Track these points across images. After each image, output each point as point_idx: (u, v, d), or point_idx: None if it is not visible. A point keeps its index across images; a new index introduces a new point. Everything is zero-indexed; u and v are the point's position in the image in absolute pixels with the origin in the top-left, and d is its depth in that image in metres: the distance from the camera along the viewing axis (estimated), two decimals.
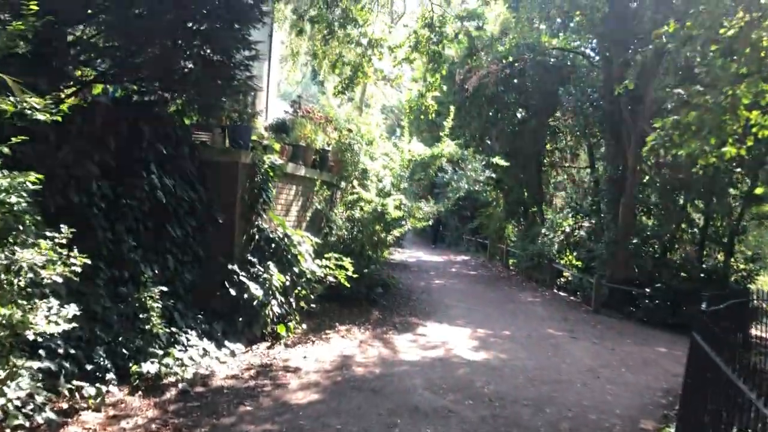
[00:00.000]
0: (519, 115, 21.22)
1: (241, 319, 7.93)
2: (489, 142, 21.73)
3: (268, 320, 8.16)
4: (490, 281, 18.38)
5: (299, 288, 9.12)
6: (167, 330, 6.78)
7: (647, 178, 15.95)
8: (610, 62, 15.39)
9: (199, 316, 7.61)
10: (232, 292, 7.83)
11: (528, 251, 18.68)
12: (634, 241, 15.55)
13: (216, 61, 7.10)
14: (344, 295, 10.77)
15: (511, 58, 16.51)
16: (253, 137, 9.03)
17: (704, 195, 14.84)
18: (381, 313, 11.06)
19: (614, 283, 14.92)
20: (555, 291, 17.51)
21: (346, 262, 9.46)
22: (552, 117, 20.90)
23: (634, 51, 14.20)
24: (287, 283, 8.83)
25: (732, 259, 15.45)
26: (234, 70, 7.28)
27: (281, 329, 8.34)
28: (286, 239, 9.07)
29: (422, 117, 18.92)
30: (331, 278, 9.40)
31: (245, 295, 7.89)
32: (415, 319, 11.01)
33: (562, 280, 18.36)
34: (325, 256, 9.46)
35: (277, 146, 9.44)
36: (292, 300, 8.96)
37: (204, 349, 7.03)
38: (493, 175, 23.31)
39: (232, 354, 7.41)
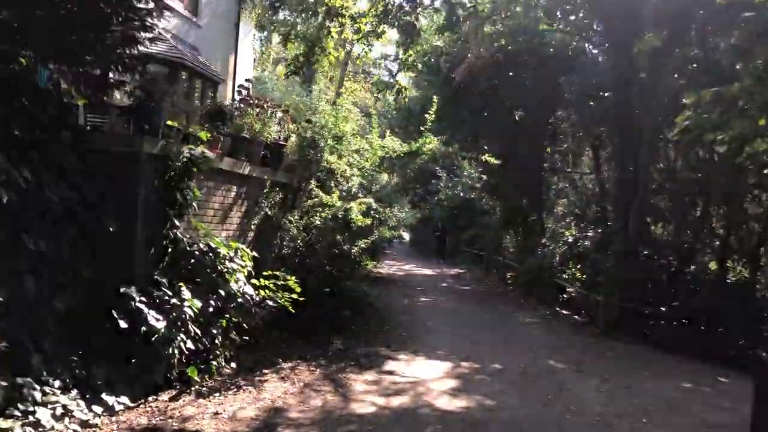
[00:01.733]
0: (516, 115, 19.31)
1: (134, 360, 5.94)
2: (482, 143, 19.77)
3: (175, 361, 6.16)
4: (484, 298, 16.36)
5: (228, 316, 7.14)
6: (7, 383, 4.79)
7: (661, 180, 13.99)
8: (617, 47, 13.46)
9: (74, 358, 5.63)
10: (123, 324, 5.84)
11: (527, 264, 16.68)
12: (646, 252, 13.56)
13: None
14: (302, 320, 8.82)
15: (503, 41, 14.59)
16: (172, 123, 7.08)
17: (727, 199, 12.86)
18: (345, 343, 9.04)
19: (625, 301, 12.90)
20: (557, 309, 15.46)
21: (291, 281, 7.47)
22: (552, 115, 18.98)
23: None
24: (210, 310, 6.85)
25: (758, 273, 13.43)
26: (113, 17, 5.34)
27: (192, 372, 6.34)
28: (211, 253, 7.10)
29: (395, 107, 17.04)
30: (272, 302, 7.40)
31: (142, 328, 5.90)
32: (385, 349, 8.99)
33: (565, 296, 16.33)
34: (264, 274, 7.45)
35: (204, 135, 7.48)
36: (216, 332, 6.97)
37: (65, 408, 5.04)
38: (490, 181, 21.54)
39: (110, 411, 5.40)
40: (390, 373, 7.73)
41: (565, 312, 15.28)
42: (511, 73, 17.38)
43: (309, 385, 6.92)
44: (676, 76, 13.38)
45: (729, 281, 12.98)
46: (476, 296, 16.64)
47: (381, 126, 14.40)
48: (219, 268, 7.10)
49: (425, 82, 20.24)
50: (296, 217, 9.48)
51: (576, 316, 14.73)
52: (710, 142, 7.24)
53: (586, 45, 16.96)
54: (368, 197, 9.80)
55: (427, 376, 7.71)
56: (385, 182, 11.05)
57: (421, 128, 11.49)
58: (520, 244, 19.38)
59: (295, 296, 7.43)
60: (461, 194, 27.94)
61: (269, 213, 9.38)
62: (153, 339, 5.90)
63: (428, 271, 22.87)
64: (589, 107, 14.83)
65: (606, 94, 15.41)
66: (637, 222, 12.89)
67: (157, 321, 5.98)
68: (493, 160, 11.51)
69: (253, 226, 9.08)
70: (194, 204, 7.19)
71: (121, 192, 6.35)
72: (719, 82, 7.34)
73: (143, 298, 6.12)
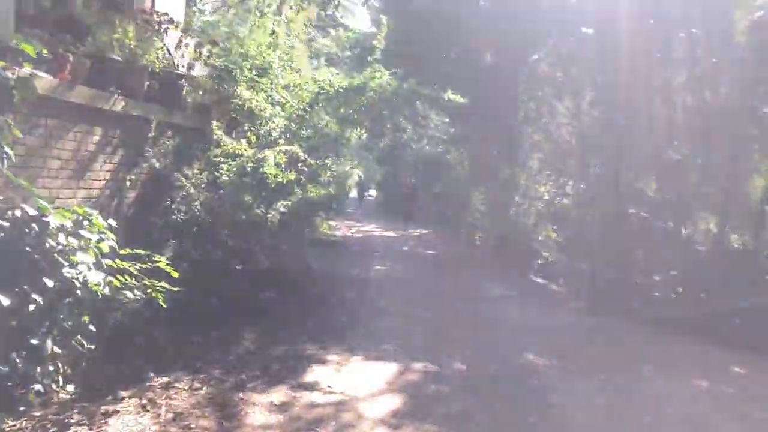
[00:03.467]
0: (488, 57, 16.89)
1: None
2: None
3: None
4: (451, 265, 14.26)
5: (63, 317, 4.81)
6: None
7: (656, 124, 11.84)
8: None
9: None
10: None
11: (498, 225, 14.57)
12: (638, 212, 11.52)
13: None
14: (203, 309, 6.59)
15: None
16: None
17: (733, 143, 10.79)
18: (259, 338, 6.80)
19: (614, 270, 10.91)
20: (532, 277, 13.49)
21: (162, 261, 5.13)
22: (529, 56, 16.59)
23: None
24: (32, 309, 4.52)
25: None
26: None
27: None
28: (34, 224, 4.71)
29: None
30: (132, 294, 5.06)
31: None
32: (313, 346, 6.77)
33: (541, 261, 14.34)
34: (121, 252, 5.09)
35: (29, 48, 4.97)
36: (39, 341, 4.65)
37: None
38: (457, 132, 19.22)
39: None
40: (310, 387, 5.53)
41: (541, 280, 13.31)
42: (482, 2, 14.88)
43: (181, 415, 4.68)
44: None
45: (733, 245, 11.04)
46: (441, 262, 14.54)
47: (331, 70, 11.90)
48: (47, 245, 4.74)
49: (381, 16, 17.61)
50: (195, 171, 7.06)
51: (554, 286, 12.77)
52: None
53: None
54: (294, 145, 7.41)
55: (361, 392, 5.53)
56: (325, 126, 8.62)
57: (369, 58, 9.07)
58: (490, 202, 17.25)
59: (167, 285, 5.10)
60: (428, 148, 25.75)
61: (158, 166, 6.96)
62: None
63: (391, 233, 20.70)
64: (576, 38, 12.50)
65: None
66: (628, 176, 10.80)
67: None
68: (458, 98, 9.07)
69: (130, 184, 6.66)
70: (8, 150, 4.76)
71: None
72: None
73: None
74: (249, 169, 6.58)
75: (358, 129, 9.81)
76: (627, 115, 10.97)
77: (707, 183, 11.17)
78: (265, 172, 6.44)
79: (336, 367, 6.17)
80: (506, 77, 15.83)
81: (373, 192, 41.04)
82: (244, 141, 6.91)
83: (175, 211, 6.66)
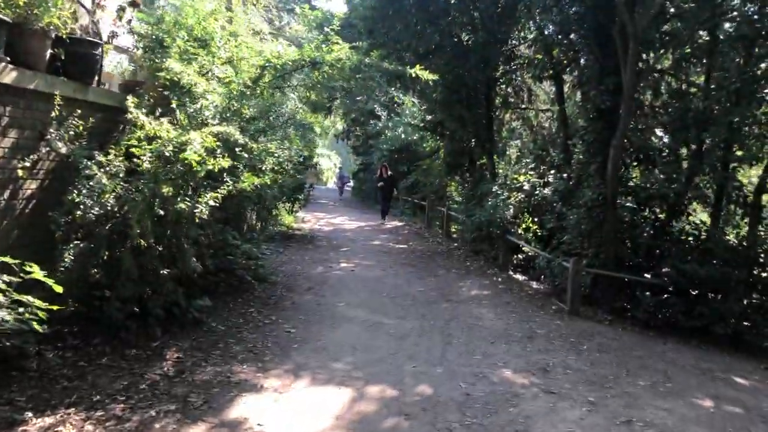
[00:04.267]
0: (465, 36, 15.80)
1: None
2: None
3: None
4: (422, 260, 13.20)
5: None
6: None
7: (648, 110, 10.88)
8: None
9: None
10: None
11: (474, 217, 13.55)
12: (628, 204, 10.58)
13: None
14: (124, 321, 5.47)
15: None
16: None
17: (731, 133, 9.86)
18: (185, 359, 5.68)
19: (600, 266, 9.95)
20: (511, 274, 12.50)
21: (36, 271, 3.98)
22: (509, 36, 15.53)
23: None
24: None
25: (760, 227, 10.62)
26: None
27: None
28: None
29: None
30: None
31: None
32: (249, 367, 5.66)
33: (521, 256, 13.39)
34: None
35: None
36: None
37: None
38: (433, 117, 18.12)
39: None
40: (235, 426, 4.43)
41: (520, 277, 12.33)
42: None
43: None
44: None
45: (730, 240, 10.14)
46: (413, 258, 13.47)
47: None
48: None
49: None
50: (112, 157, 5.87)
51: (535, 283, 11.80)
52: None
53: None
54: (231, 125, 6.23)
55: (302, 429, 4.45)
56: (272, 105, 7.46)
57: (326, 28, 7.92)
58: (467, 192, 16.22)
59: (44, 305, 3.94)
60: (403, 136, 24.67)
61: (64, 152, 5.77)
62: None
63: (363, 226, 19.57)
64: (562, 13, 11.41)
65: None
66: (618, 163, 9.80)
67: None
68: (426, 75, 7.97)
69: (26, 173, 5.47)
70: None
71: None
72: None
73: None
74: (169, 154, 5.40)
75: (331, 116, 8.69)
76: (614, 99, 9.96)
77: (701, 172, 10.24)
78: (187, 158, 5.27)
79: (274, 395, 5.07)
80: (484, 59, 14.74)
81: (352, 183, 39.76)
82: (165, 121, 5.72)
83: (82, 206, 5.47)
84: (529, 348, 7.25)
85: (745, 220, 10.62)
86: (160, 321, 6.14)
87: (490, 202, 13.51)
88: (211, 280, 7.91)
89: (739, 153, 10.08)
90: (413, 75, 8.19)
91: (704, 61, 10.78)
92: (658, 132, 10.71)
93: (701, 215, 11.35)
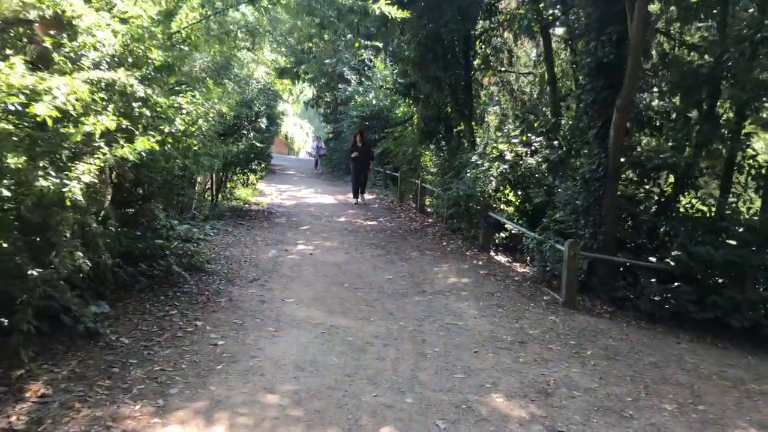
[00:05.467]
0: None
1: None
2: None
3: None
4: (394, 240, 11.65)
5: None
6: None
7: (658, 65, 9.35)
8: None
9: None
10: None
11: (452, 191, 11.99)
12: (631, 176, 9.13)
13: None
14: None
15: None
16: None
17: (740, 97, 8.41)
18: (57, 390, 4.06)
19: (599, 249, 8.51)
20: (492, 255, 11.03)
21: None
22: None
23: None
24: None
25: None
26: None
27: None
28: None
29: None
30: None
31: None
32: (146, 407, 4.05)
33: (503, 234, 11.90)
34: None
35: None
36: None
37: None
38: (405, 79, 16.36)
39: None
40: None
41: (503, 259, 10.87)
42: None
43: None
44: None
45: (744, 219, 8.78)
46: (382, 237, 11.91)
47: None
48: None
49: None
50: None
51: (521, 267, 10.35)
52: None
53: None
54: (126, 72, 4.51)
55: None
56: (189, 52, 5.72)
57: None
58: (442, 163, 14.63)
59: None
60: (375, 102, 22.91)
61: None
62: None
63: (329, 200, 17.93)
64: None
65: None
66: (621, 129, 8.28)
67: None
68: (395, 12, 6.31)
69: None
70: None
71: None
72: None
73: None
74: (13, 108, 3.69)
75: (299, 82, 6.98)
76: (618, 51, 8.39)
77: (716, 138, 8.80)
78: (38, 115, 3.58)
79: None
80: (461, 11, 13.03)
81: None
82: (18, 60, 3.98)
83: None
84: (523, 358, 5.78)
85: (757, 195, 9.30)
86: (32, 337, 4.49)
87: (469, 174, 11.97)
88: (124, 275, 6.27)
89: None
90: (377, 12, 6.49)
91: (716, 10, 9.28)
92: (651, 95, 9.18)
93: (714, 189, 9.96)
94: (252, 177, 14.65)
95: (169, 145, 4.82)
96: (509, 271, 9.76)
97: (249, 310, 6.46)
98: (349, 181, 24.30)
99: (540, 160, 10.50)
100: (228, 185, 14.43)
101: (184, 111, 4.96)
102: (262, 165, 15.17)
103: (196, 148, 5.27)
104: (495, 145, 12.82)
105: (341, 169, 28.66)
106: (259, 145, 14.32)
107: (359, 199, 17.24)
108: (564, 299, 8.05)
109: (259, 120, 15.20)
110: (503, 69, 18.33)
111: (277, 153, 43.61)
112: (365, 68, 25.18)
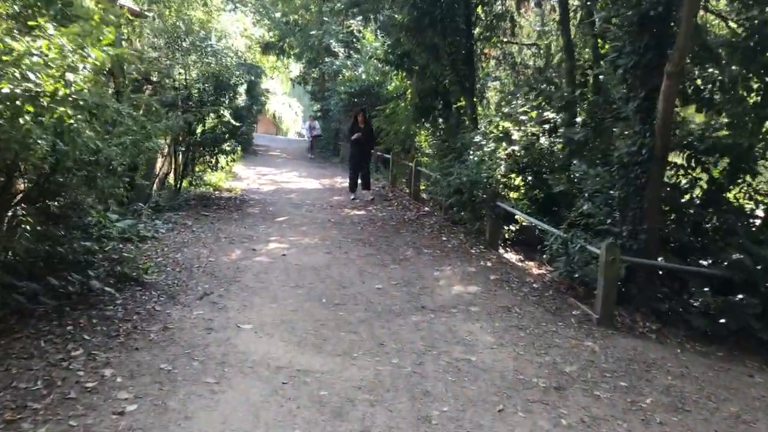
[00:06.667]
0: None
1: None
2: None
3: None
4: (386, 235, 9.93)
5: None
6: None
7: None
8: None
9: None
10: None
11: (453, 177, 10.25)
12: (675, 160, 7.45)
13: None
14: None
15: None
16: None
17: None
18: None
19: (639, 251, 6.82)
20: (501, 252, 9.34)
21: None
22: None
23: None
24: None
25: None
26: None
27: None
28: None
29: None
30: None
31: None
32: None
33: (514, 228, 10.19)
34: None
35: None
36: None
37: None
38: (398, 49, 14.48)
39: None
40: None
41: (515, 258, 9.19)
42: None
43: None
44: None
45: None
46: (372, 231, 10.20)
47: None
48: None
49: None
50: None
51: (536, 267, 8.69)
52: None
53: None
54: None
55: None
56: None
57: None
58: (440, 144, 12.86)
59: None
60: (364, 77, 21.05)
61: None
62: None
63: (313, 184, 16.16)
64: None
65: None
66: (671, 100, 6.56)
67: None
68: None
69: None
70: None
71: None
72: None
73: None
74: None
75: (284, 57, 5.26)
76: (666, 2, 6.62)
77: None
78: None
79: None
80: None
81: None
82: None
83: None
84: (566, 418, 4.11)
85: None
86: None
87: (472, 157, 10.24)
88: (20, 296, 4.55)
89: None
90: None
91: None
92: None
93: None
94: (222, 160, 12.84)
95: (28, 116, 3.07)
96: (524, 275, 8.07)
97: (187, 345, 4.74)
98: (337, 164, 22.60)
99: (564, 139, 8.73)
100: (196, 169, 12.64)
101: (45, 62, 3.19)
102: (238, 146, 13.35)
103: (71, 120, 3.51)
104: (499, 122, 11.09)
105: (329, 150, 26.85)
106: (232, 122, 12.52)
107: (358, 195, 13.76)
108: (599, 315, 6.39)
109: (235, 94, 13.39)
110: (506, 40, 16.61)
111: (265, 133, 41.70)
112: (354, 41, 23.25)
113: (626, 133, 7.14)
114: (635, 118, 6.95)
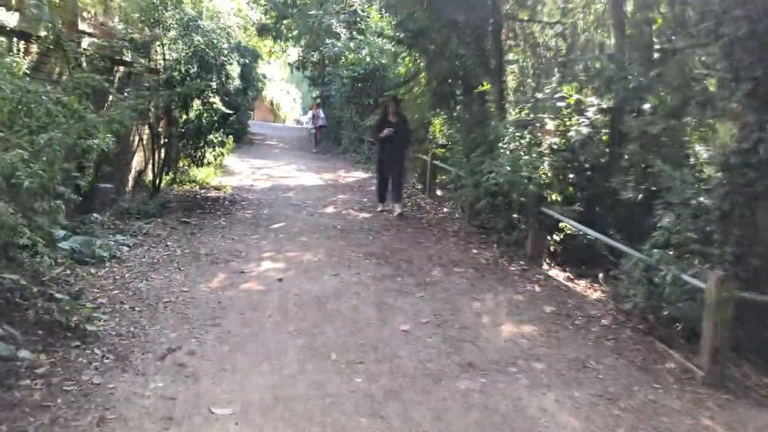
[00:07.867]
0: None
1: None
2: None
3: None
4: (402, 245, 8.22)
5: None
6: None
7: None
8: None
9: None
10: None
11: (485, 177, 8.51)
12: None
13: None
14: None
15: None
16: None
17: None
18: None
19: (751, 283, 5.12)
20: (547, 269, 7.63)
21: None
22: None
23: None
24: None
25: None
26: None
27: None
28: None
29: None
30: None
31: None
32: None
33: (557, 237, 8.45)
34: None
35: None
36: None
37: None
38: (410, 26, 12.66)
39: None
40: None
41: (564, 277, 7.49)
42: None
43: None
44: None
45: None
46: (387, 238, 8.50)
47: None
48: None
49: None
50: None
51: (584, 283, 7.01)
52: None
53: None
54: None
55: None
56: None
57: None
58: (463, 134, 11.09)
59: None
60: (368, 59, 19.29)
61: None
62: None
63: (314, 180, 14.44)
64: None
65: None
66: None
67: None
68: None
69: None
70: None
71: None
72: None
73: None
74: None
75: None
76: None
77: None
78: None
79: None
80: None
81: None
82: None
83: None
84: None
85: None
86: None
87: (506, 153, 8.52)
88: None
89: None
90: None
91: None
92: None
93: None
94: (209, 154, 11.10)
95: None
96: (583, 303, 6.37)
97: None
98: (339, 155, 20.84)
99: (638, 132, 6.95)
100: (180, 164, 10.93)
101: None
102: (229, 137, 11.63)
103: None
104: (540, 106, 9.35)
105: (329, 139, 25.10)
106: (222, 109, 10.79)
107: (389, 207, 10.59)
108: (706, 372, 4.71)
109: (226, 78, 11.63)
110: (526, 19, 14.87)
111: (262, 120, 39.98)
112: (357, 20, 21.43)
113: (727, 126, 5.43)
114: (746, 107, 5.23)
